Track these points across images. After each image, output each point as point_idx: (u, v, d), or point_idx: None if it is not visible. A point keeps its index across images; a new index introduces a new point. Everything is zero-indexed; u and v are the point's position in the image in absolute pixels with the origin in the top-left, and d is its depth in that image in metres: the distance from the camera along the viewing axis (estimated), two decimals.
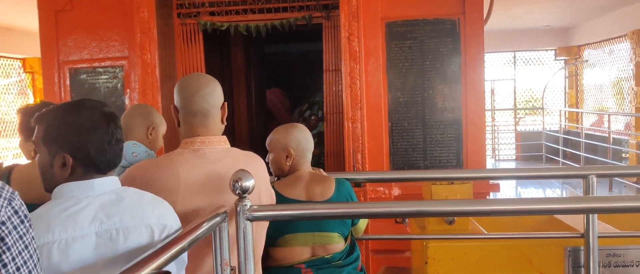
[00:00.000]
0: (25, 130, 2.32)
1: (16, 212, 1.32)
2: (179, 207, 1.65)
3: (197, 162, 1.74)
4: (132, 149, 2.27)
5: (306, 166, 2.35)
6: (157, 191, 1.61)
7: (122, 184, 1.54)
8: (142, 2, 3.56)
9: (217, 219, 1.63)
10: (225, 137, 1.85)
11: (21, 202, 1.36)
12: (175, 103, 1.83)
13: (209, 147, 1.78)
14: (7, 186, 1.32)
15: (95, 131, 1.44)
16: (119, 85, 3.89)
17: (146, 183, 1.65)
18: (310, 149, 2.37)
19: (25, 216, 1.35)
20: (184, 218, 1.62)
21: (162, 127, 2.54)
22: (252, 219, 1.72)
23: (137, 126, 2.42)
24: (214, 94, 1.82)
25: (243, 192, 1.67)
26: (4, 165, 2.39)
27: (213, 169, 1.75)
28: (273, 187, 2.13)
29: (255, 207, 1.72)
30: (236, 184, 1.66)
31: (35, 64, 9.34)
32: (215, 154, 1.78)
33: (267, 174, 2.01)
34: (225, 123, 1.88)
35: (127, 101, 3.86)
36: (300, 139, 2.33)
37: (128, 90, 3.86)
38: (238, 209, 1.70)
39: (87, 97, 3.81)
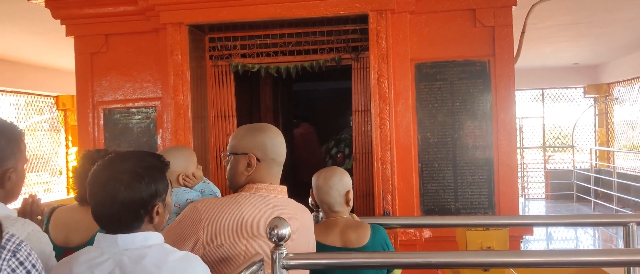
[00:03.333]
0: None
1: (22, 263, 1.36)
2: (239, 248, 1.69)
3: (263, 207, 1.78)
4: (185, 195, 2.21)
5: (342, 212, 2.34)
6: (219, 229, 1.66)
7: (183, 214, 1.70)
8: (176, 45, 3.63)
9: (254, 268, 1.61)
10: (285, 187, 1.91)
11: (28, 253, 1.38)
12: (255, 151, 1.84)
13: (273, 194, 1.84)
14: (13, 237, 1.36)
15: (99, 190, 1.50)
16: (152, 125, 3.94)
17: (211, 218, 1.68)
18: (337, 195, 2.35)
19: (34, 266, 1.38)
20: (246, 258, 1.69)
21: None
22: (288, 268, 1.71)
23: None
24: None
25: (279, 240, 1.66)
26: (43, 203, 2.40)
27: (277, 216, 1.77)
28: None
29: (292, 255, 1.71)
30: (272, 231, 1.65)
31: (67, 102, 9.58)
32: (279, 202, 1.84)
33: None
34: None
35: (159, 141, 3.91)
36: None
37: (160, 130, 3.92)
38: (274, 257, 1.69)
39: (120, 136, 3.93)
